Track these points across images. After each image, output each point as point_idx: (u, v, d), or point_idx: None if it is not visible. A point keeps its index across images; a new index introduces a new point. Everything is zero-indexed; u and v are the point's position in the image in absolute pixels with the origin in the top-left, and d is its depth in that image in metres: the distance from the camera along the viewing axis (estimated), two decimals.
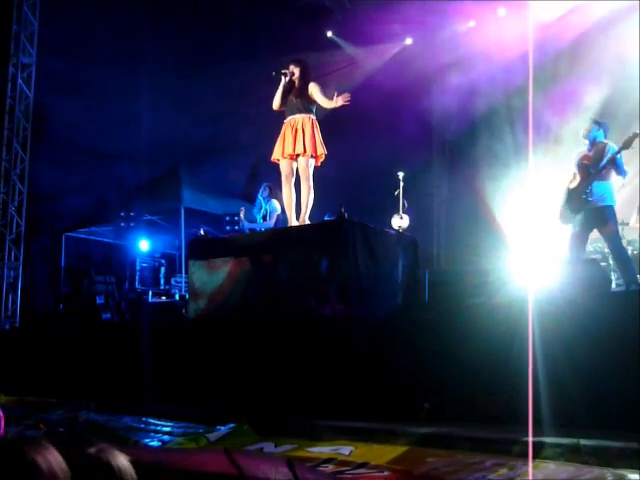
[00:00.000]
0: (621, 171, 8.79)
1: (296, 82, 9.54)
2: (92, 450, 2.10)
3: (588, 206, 8.80)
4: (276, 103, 9.62)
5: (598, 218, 8.84)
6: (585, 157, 9.08)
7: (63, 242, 15.56)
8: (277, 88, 9.61)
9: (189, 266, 9.92)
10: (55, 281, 15.33)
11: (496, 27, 13.12)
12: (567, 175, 9.33)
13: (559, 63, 12.28)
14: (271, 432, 6.82)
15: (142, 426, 7.59)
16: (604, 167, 8.71)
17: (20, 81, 13.62)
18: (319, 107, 9.49)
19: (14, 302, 13.67)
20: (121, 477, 2.10)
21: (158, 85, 14.60)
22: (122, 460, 2.14)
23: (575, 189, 8.98)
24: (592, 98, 11.20)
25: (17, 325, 13.55)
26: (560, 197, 9.17)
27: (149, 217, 15.72)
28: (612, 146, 8.87)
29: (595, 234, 9.30)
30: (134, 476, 2.15)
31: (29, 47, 13.65)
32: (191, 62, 14.84)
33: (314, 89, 9.44)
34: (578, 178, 9.01)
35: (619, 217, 9.33)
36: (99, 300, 14.10)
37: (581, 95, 11.40)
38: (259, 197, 12.22)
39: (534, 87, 10.26)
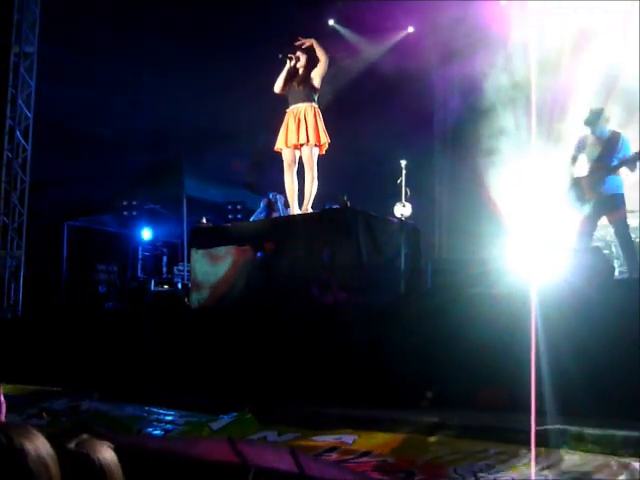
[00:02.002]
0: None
1: (301, 69, 9.53)
2: (71, 445, 2.10)
3: (600, 195, 8.80)
4: (278, 86, 9.61)
5: (609, 205, 8.84)
6: (593, 144, 9.04)
7: (65, 231, 15.56)
8: (281, 71, 9.61)
9: (191, 254, 9.93)
10: (57, 270, 15.33)
11: (498, 13, 13.06)
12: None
13: (561, 49, 12.23)
14: (274, 421, 6.82)
15: (145, 415, 7.61)
16: (626, 162, 8.69)
17: (22, 70, 13.60)
18: (320, 88, 9.52)
19: (16, 291, 13.67)
20: (102, 470, 2.10)
21: (159, 72, 14.58)
22: (104, 452, 2.14)
23: (586, 178, 8.96)
24: (593, 86, 11.17)
25: (19, 314, 13.56)
26: (564, 184, 9.15)
27: (151, 205, 15.71)
28: (626, 138, 8.87)
29: (600, 221, 9.30)
30: (117, 468, 2.15)
31: (31, 36, 13.62)
32: (193, 49, 14.80)
33: (315, 72, 9.47)
34: (587, 166, 9.00)
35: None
36: (101, 289, 14.12)
37: (582, 82, 11.38)
38: (279, 206, 12.04)
39: (537, 73, 10.24)
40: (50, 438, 1.90)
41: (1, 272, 13.50)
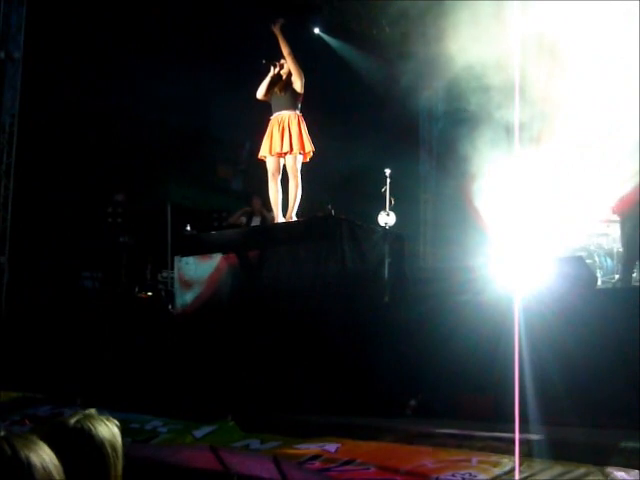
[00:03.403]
0: None
1: (284, 76, 9.54)
2: (72, 420, 2.11)
3: None
4: (261, 92, 9.60)
5: None
6: None
7: (50, 237, 15.47)
8: (264, 77, 9.61)
9: (175, 262, 9.90)
10: (41, 276, 15.26)
11: (484, 21, 13.11)
12: (554, 172, 9.35)
13: (546, 57, 12.28)
14: (257, 429, 6.82)
15: (128, 422, 7.57)
16: None
17: (7, 75, 13.53)
18: (302, 94, 9.53)
19: None
20: (102, 444, 2.10)
21: (144, 78, 14.56)
22: (103, 428, 2.15)
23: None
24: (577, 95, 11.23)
25: (1, 320, 13.47)
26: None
27: (136, 212, 15.65)
28: None
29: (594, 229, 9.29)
30: (119, 443, 2.16)
31: (18, 40, 13.56)
32: (178, 55, 14.79)
33: (294, 78, 9.48)
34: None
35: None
36: (86, 295, 14.05)
37: (564, 92, 11.43)
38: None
39: (521, 82, 10.28)
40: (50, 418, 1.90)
41: None
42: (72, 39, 13.82)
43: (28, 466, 1.69)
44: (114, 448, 2.15)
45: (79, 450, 2.07)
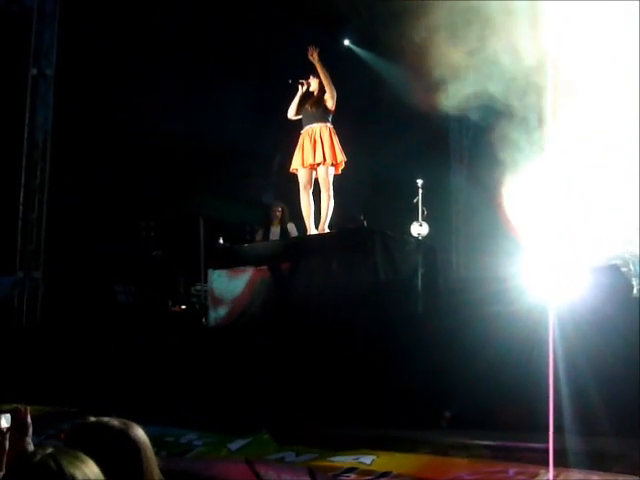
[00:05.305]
0: None
1: (314, 92, 9.57)
2: (117, 424, 2.12)
3: None
4: (291, 112, 9.66)
5: None
6: None
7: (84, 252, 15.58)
8: (294, 97, 9.65)
9: (208, 275, 9.95)
10: (76, 291, 15.36)
11: (512, 29, 13.05)
12: (587, 179, 9.27)
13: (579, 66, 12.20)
14: (292, 441, 6.81)
15: (163, 435, 7.60)
16: None
17: (40, 92, 13.67)
18: (334, 109, 9.55)
19: (34, 312, 13.70)
20: (144, 449, 2.12)
21: (177, 92, 14.66)
22: (140, 433, 2.17)
23: None
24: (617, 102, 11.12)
25: (37, 335, 13.58)
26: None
27: (169, 225, 15.72)
28: None
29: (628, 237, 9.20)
30: (149, 445, 2.17)
31: (50, 57, 13.70)
32: (211, 70, 14.89)
33: (327, 96, 9.51)
34: None
35: None
36: (119, 309, 14.14)
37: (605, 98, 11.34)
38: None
39: (553, 89, 10.22)
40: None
41: (19, 293, 13.55)
42: (104, 55, 13.97)
43: None
44: (145, 447, 2.15)
45: (117, 448, 2.08)
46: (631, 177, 8.93)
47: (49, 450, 1.76)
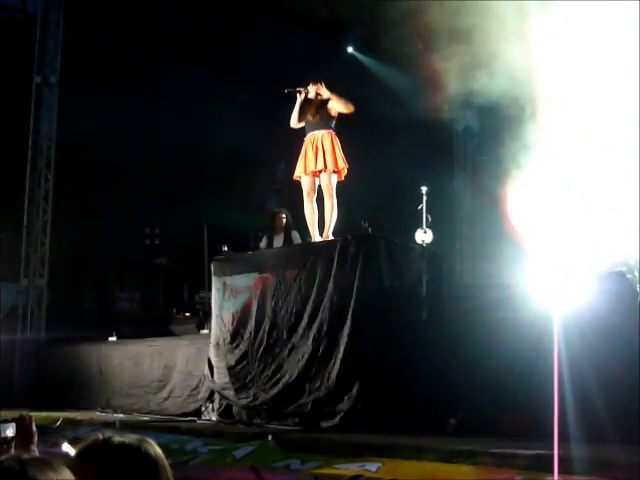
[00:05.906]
0: None
1: (313, 100, 9.56)
2: (132, 440, 2.12)
3: None
4: (293, 120, 9.66)
5: None
6: None
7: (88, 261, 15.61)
8: (294, 106, 9.65)
9: (212, 282, 9.94)
10: (79, 299, 15.38)
11: (520, 38, 13.06)
12: (592, 186, 9.26)
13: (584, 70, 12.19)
14: (297, 448, 6.81)
15: (170, 442, 7.60)
16: None
17: (44, 100, 13.70)
18: (339, 118, 9.54)
19: (39, 320, 13.72)
20: (157, 463, 2.11)
21: (180, 101, 14.70)
22: (156, 448, 2.16)
23: None
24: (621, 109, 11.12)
25: (41, 343, 13.60)
26: None
27: (173, 233, 15.75)
28: None
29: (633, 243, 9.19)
30: (164, 459, 2.16)
31: (54, 64, 13.73)
32: (214, 78, 14.93)
33: (334, 104, 9.49)
34: None
35: None
36: (123, 316, 14.17)
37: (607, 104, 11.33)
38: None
39: (553, 93, 10.22)
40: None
41: (24, 301, 13.58)
42: (108, 63, 14.00)
43: None
44: (162, 463, 2.15)
45: (132, 464, 2.08)
46: (631, 177, 8.92)
47: (23, 456, 1.79)
